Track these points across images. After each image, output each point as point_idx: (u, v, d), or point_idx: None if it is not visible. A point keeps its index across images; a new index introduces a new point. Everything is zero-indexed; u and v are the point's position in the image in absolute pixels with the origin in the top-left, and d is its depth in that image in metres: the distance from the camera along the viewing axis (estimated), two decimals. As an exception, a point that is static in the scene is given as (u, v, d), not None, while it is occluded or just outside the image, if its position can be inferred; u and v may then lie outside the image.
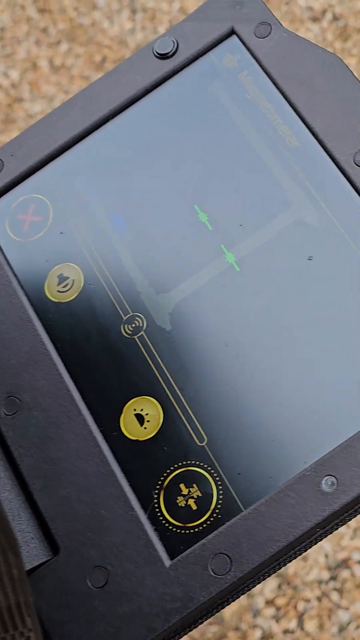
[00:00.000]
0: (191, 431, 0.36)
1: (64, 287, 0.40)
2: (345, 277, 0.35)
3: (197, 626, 0.36)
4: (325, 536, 0.35)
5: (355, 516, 0.34)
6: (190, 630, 0.36)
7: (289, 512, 0.33)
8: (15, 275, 0.41)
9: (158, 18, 1.50)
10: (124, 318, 0.39)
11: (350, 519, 0.35)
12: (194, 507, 0.35)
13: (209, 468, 0.36)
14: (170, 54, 0.42)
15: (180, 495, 0.36)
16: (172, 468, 0.36)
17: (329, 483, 0.34)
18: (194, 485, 0.36)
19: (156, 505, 0.36)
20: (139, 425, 0.37)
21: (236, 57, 0.41)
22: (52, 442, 0.37)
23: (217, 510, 0.35)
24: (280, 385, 0.36)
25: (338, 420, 0.34)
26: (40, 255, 0.41)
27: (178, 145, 0.40)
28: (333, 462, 0.34)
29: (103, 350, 0.38)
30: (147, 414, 0.37)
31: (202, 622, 0.36)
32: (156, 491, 0.36)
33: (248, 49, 0.40)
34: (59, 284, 0.40)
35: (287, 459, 0.35)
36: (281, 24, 0.39)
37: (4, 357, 0.39)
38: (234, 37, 0.40)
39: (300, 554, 0.35)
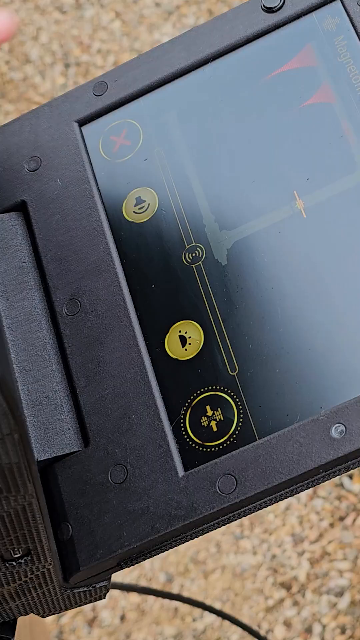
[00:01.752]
0: (226, 360, 0.39)
1: (140, 209, 0.43)
2: None
3: (197, 536, 0.39)
4: (329, 479, 0.38)
5: (359, 466, 0.37)
6: (189, 539, 0.39)
7: (296, 449, 0.36)
8: (100, 191, 0.43)
9: (91, 73, 1.47)
10: (187, 247, 0.41)
11: (354, 468, 0.37)
12: (215, 429, 0.38)
13: (235, 396, 0.38)
14: (276, 8, 0.43)
15: (204, 416, 0.39)
16: (202, 390, 0.39)
17: (339, 430, 0.36)
18: (219, 409, 0.39)
19: (182, 420, 0.39)
20: (180, 346, 0.40)
21: (336, 21, 0.42)
22: (101, 346, 0.40)
23: (234, 435, 0.38)
24: (313, 333, 0.38)
25: (356, 376, 0.37)
26: (124, 177, 0.44)
27: (264, 97, 0.43)
28: (346, 412, 0.36)
29: (163, 272, 0.41)
30: (190, 337, 0.40)
31: (202, 534, 0.39)
32: (184, 408, 0.39)
33: (348, 15, 0.42)
34: (135, 205, 0.43)
35: (305, 401, 0.37)
36: None
37: (74, 262, 0.42)
38: (338, 2, 0.43)
39: (303, 490, 0.38)
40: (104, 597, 0.43)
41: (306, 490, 1.19)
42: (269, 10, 0.43)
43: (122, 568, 0.40)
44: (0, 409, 0.27)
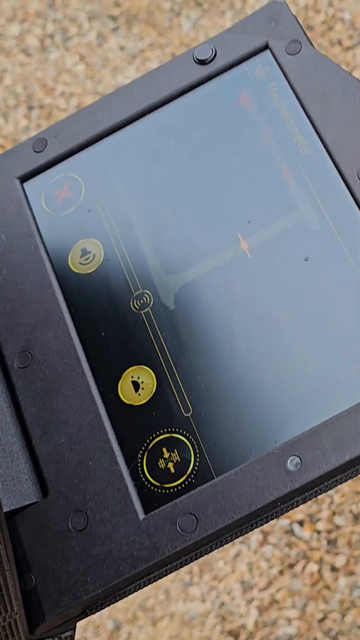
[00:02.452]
0: (179, 402, 0.40)
1: (86, 260, 0.44)
2: (335, 278, 0.39)
3: (161, 577, 0.39)
4: (287, 511, 0.38)
5: (315, 496, 0.37)
6: (153, 581, 0.39)
7: (254, 484, 0.37)
8: (44, 244, 0.44)
9: (55, 115, 1.50)
10: (134, 294, 0.42)
11: (310, 498, 0.38)
12: (172, 470, 0.39)
13: (190, 437, 0.39)
14: (208, 60, 0.45)
15: (161, 458, 0.39)
16: (157, 433, 0.40)
17: (294, 463, 0.37)
18: (175, 450, 0.39)
19: (139, 464, 0.39)
20: (134, 391, 0.41)
21: (267, 70, 0.44)
22: (55, 396, 0.41)
23: (192, 475, 0.38)
24: (262, 370, 0.39)
25: (308, 408, 0.38)
26: (68, 229, 0.45)
27: (204, 143, 0.44)
28: (300, 445, 0.37)
29: (112, 320, 0.42)
30: (142, 382, 0.41)
31: (165, 575, 0.39)
32: (141, 451, 0.39)
33: (278, 63, 0.44)
34: (81, 257, 0.44)
35: (259, 436, 0.38)
36: (311, 43, 0.43)
37: (23, 315, 0.43)
38: (267, 52, 0.44)
39: (262, 524, 0.38)
40: None
41: (256, 538, 1.19)
42: (202, 62, 0.45)
43: (87, 615, 0.40)
44: None
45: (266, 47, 0.44)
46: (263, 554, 1.17)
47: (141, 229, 0.43)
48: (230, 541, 0.38)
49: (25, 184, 0.46)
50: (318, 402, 0.37)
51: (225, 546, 1.18)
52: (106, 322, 0.42)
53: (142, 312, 0.42)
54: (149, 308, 0.42)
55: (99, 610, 0.40)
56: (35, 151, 0.46)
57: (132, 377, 0.41)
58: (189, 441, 0.39)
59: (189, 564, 0.39)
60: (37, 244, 0.44)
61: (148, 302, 0.42)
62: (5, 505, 0.39)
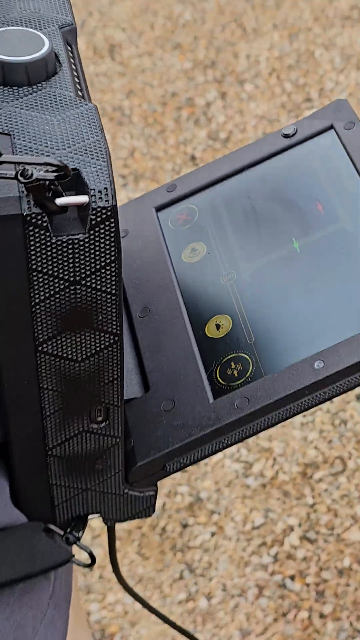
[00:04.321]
0: (246, 334, 0.60)
1: (193, 254, 0.65)
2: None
3: (224, 447, 0.57)
4: (312, 405, 0.56)
5: (337, 393, 0.54)
6: (218, 449, 0.57)
7: (289, 378, 0.55)
8: (167, 245, 0.65)
9: None
10: (223, 273, 0.63)
11: (329, 397, 0.56)
12: (236, 374, 0.58)
13: (251, 355, 0.59)
14: (291, 135, 0.67)
15: (229, 368, 0.59)
16: (229, 353, 0.60)
17: (319, 365, 0.55)
18: (240, 363, 0.58)
19: (214, 371, 0.59)
20: (216, 329, 0.61)
21: (331, 141, 0.65)
22: (162, 334, 0.60)
23: (249, 377, 0.57)
24: (299, 313, 0.58)
25: (331, 332, 0.56)
26: (184, 237, 0.66)
27: (283, 186, 0.65)
28: (324, 354, 0.55)
29: (208, 290, 0.62)
30: (222, 324, 0.61)
31: (227, 445, 0.57)
32: (215, 363, 0.59)
33: (338, 136, 0.65)
34: (190, 253, 0.65)
35: (297, 351, 0.56)
36: None
37: (148, 285, 0.63)
38: (332, 130, 0.66)
39: (298, 412, 0.56)
40: (151, 513, 0.60)
41: (253, 592, 1.33)
42: (286, 136, 0.67)
43: (167, 473, 0.58)
44: None
45: (331, 127, 0.66)
46: (259, 604, 1.32)
47: (231, 238, 0.64)
48: (274, 425, 0.57)
49: (159, 212, 0.68)
50: (338, 328, 0.56)
51: (225, 599, 1.32)
52: (203, 289, 0.62)
53: (227, 284, 0.62)
54: (232, 281, 0.62)
55: (176, 470, 0.57)
56: (167, 191, 0.69)
57: (216, 322, 0.61)
58: (249, 357, 0.59)
59: (243, 439, 0.57)
60: (162, 245, 0.65)
61: (233, 277, 0.63)
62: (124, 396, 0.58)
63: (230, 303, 0.61)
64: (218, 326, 0.61)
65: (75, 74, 0.49)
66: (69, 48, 0.52)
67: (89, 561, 0.59)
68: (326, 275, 0.60)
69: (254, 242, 0.64)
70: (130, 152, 2.07)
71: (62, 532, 0.56)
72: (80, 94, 0.48)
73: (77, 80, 0.49)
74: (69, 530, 0.57)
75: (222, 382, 0.58)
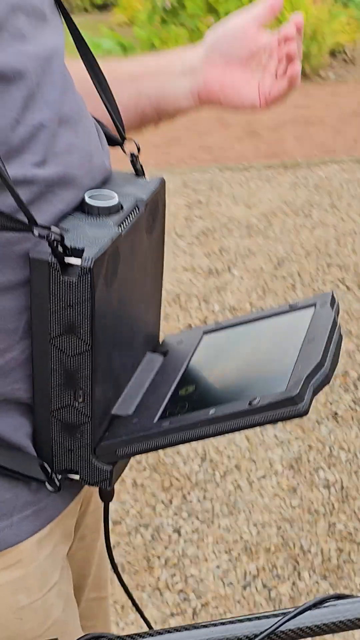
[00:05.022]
0: (198, 396, 0.85)
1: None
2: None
3: (150, 449, 0.78)
4: (210, 435, 0.75)
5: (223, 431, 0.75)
6: (149, 449, 0.78)
7: (194, 417, 0.77)
8: (194, 352, 0.94)
9: None
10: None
11: (220, 431, 0.75)
12: (176, 411, 0.81)
13: (188, 405, 0.81)
14: (296, 306, 0.91)
15: (177, 408, 0.82)
16: (181, 402, 0.83)
17: (212, 410, 0.75)
18: (182, 406, 0.82)
19: (169, 407, 0.83)
20: (185, 391, 0.86)
21: (312, 311, 0.88)
22: (157, 386, 0.89)
23: (178, 414, 0.80)
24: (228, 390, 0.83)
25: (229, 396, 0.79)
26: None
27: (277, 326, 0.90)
28: (217, 407, 0.76)
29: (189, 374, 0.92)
30: (188, 389, 0.86)
31: (153, 447, 0.78)
32: (174, 404, 0.83)
33: (315, 308, 0.88)
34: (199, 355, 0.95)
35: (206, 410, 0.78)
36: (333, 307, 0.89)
37: (173, 361, 0.93)
38: (313, 306, 0.89)
39: (197, 438, 0.76)
40: (108, 486, 0.81)
41: None
42: (292, 307, 0.92)
43: (117, 457, 0.79)
44: None
45: (315, 304, 0.89)
46: None
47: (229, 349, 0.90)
48: (184, 441, 0.77)
49: (205, 335, 0.94)
50: (233, 394, 0.79)
51: None
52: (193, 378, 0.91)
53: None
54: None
55: (123, 456, 0.79)
56: (204, 332, 0.95)
57: (186, 388, 0.88)
58: (187, 405, 0.83)
59: (166, 446, 0.77)
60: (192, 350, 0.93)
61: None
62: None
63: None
64: (186, 390, 0.86)
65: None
66: None
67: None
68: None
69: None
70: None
71: (49, 470, 0.81)
72: None
73: None
74: (58, 474, 0.82)
75: (168, 413, 0.82)
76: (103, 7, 8.50)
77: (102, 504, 0.89)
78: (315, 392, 0.74)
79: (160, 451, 2.30)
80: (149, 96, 0.98)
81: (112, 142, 0.89)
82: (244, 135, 4.88)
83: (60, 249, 0.71)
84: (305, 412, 0.72)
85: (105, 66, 0.88)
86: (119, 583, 0.95)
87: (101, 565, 1.06)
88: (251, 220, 3.76)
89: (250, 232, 3.65)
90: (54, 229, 0.71)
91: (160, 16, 6.27)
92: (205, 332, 0.95)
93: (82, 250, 0.73)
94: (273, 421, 0.74)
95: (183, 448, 2.35)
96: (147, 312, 0.92)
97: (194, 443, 2.35)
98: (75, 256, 0.72)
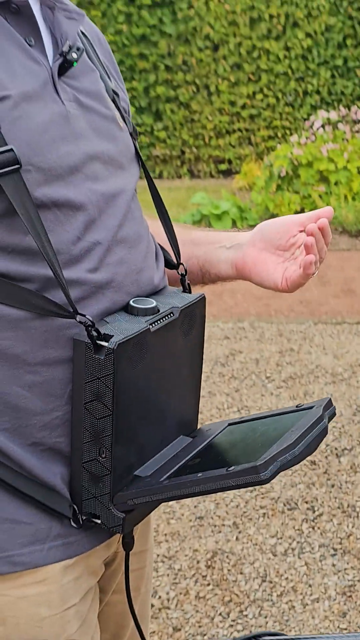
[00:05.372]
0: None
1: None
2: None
3: (157, 501, 1.06)
4: (195, 494, 0.97)
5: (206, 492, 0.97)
6: (156, 502, 1.11)
7: (182, 480, 1.00)
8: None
9: None
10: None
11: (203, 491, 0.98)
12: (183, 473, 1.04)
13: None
14: (300, 407, 1.09)
15: (185, 473, 1.06)
16: (187, 469, 1.07)
17: (200, 474, 0.99)
18: (187, 471, 1.05)
19: (176, 472, 1.05)
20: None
21: (307, 412, 1.06)
22: (171, 457, 1.11)
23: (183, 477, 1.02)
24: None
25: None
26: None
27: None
28: (204, 472, 0.99)
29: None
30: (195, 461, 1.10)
31: (159, 500, 1.00)
32: (183, 470, 1.06)
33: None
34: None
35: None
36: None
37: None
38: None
39: (188, 496, 0.97)
40: (121, 531, 1.03)
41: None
42: (298, 406, 1.11)
43: (129, 506, 1.01)
44: None
45: (314, 406, 1.06)
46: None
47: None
48: (183, 497, 0.99)
49: (229, 425, 1.14)
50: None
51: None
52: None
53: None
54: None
55: (134, 507, 1.01)
56: (229, 424, 1.14)
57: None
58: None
59: (168, 499, 0.98)
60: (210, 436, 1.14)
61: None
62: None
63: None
64: (194, 461, 1.08)
65: None
66: None
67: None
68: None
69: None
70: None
71: (76, 510, 1.06)
72: None
73: None
74: (82, 516, 1.03)
75: (173, 476, 1.04)
76: (227, 173, 9.20)
77: (142, 565, 1.10)
78: (282, 468, 0.95)
79: (225, 569, 2.51)
80: (198, 258, 1.24)
81: (170, 265, 1.18)
82: (340, 293, 5.19)
83: (94, 333, 0.97)
84: (267, 481, 0.93)
85: (180, 226, 1.21)
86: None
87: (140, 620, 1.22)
88: (337, 369, 4.00)
89: (335, 379, 3.88)
90: (87, 316, 0.97)
91: (276, 183, 6.80)
92: (230, 424, 1.16)
93: (111, 336, 0.97)
94: (242, 485, 0.95)
95: (247, 569, 2.54)
96: (182, 400, 1.12)
97: (256, 564, 2.55)
98: (105, 340, 0.97)
